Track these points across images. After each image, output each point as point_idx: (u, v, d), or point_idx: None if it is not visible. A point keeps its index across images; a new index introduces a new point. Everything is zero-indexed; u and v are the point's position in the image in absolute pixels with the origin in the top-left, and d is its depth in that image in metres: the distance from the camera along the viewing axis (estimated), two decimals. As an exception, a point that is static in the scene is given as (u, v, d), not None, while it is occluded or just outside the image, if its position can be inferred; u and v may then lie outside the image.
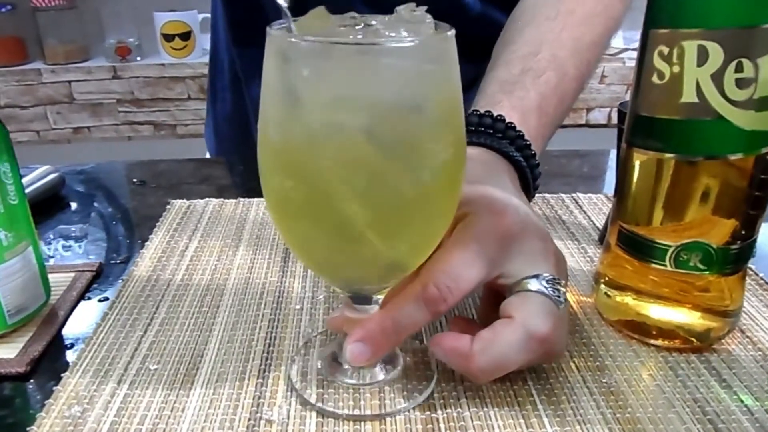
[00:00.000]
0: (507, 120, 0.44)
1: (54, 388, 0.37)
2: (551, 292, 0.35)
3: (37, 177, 0.60)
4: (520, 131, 0.44)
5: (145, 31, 2.02)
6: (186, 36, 2.00)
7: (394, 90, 0.29)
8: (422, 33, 0.30)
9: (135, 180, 0.69)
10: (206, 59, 2.03)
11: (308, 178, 0.30)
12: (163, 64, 1.98)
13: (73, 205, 0.62)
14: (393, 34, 0.29)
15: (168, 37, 1.99)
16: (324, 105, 0.29)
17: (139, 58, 2.03)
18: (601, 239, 0.53)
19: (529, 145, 0.44)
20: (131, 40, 2.02)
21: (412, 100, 0.29)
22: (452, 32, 0.30)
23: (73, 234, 0.56)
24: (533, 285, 0.35)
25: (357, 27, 0.30)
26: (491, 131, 0.44)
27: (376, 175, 0.29)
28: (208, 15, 2.18)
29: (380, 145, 0.29)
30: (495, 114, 0.44)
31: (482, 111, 0.45)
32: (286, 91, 0.30)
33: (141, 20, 2.02)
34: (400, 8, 0.30)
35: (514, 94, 0.47)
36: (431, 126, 0.30)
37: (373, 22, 0.30)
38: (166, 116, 2.01)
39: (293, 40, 0.29)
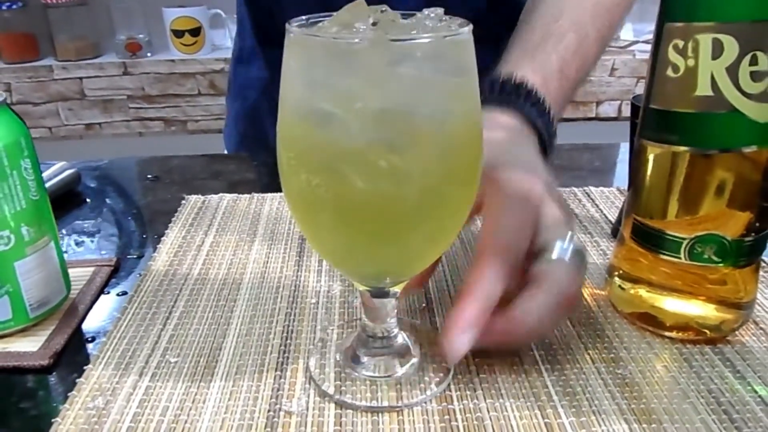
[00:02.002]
0: (529, 84, 0.46)
1: (77, 380, 0.37)
2: (573, 253, 0.37)
3: (54, 173, 0.61)
4: (541, 95, 0.46)
5: (155, 27, 2.03)
6: (196, 32, 2.00)
7: (415, 94, 0.29)
8: (442, 32, 0.30)
9: (149, 176, 0.69)
10: (216, 55, 2.04)
11: (332, 176, 0.30)
12: (173, 60, 1.98)
13: (89, 201, 0.63)
14: (414, 32, 0.30)
15: (178, 33, 1.99)
16: (341, 104, 0.29)
17: (149, 54, 2.03)
18: (614, 232, 0.54)
19: (549, 110, 0.46)
20: (141, 36, 2.02)
21: (434, 106, 0.29)
22: (470, 28, 0.30)
23: (90, 229, 0.57)
24: (559, 251, 0.37)
25: (385, 25, 0.30)
26: (513, 95, 0.45)
27: (398, 174, 0.30)
28: (218, 11, 2.18)
29: (401, 148, 0.29)
30: (517, 77, 0.46)
31: (505, 76, 0.46)
32: (305, 90, 0.30)
33: (150, 16, 2.03)
34: (426, 11, 0.31)
35: (536, 58, 0.49)
36: (452, 130, 0.30)
37: (403, 21, 0.30)
38: (176, 112, 2.01)
39: (312, 37, 0.29)
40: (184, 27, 1.99)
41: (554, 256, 0.37)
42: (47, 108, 1.94)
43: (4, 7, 1.92)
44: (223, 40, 2.10)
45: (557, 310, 0.36)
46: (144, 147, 2.01)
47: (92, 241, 0.55)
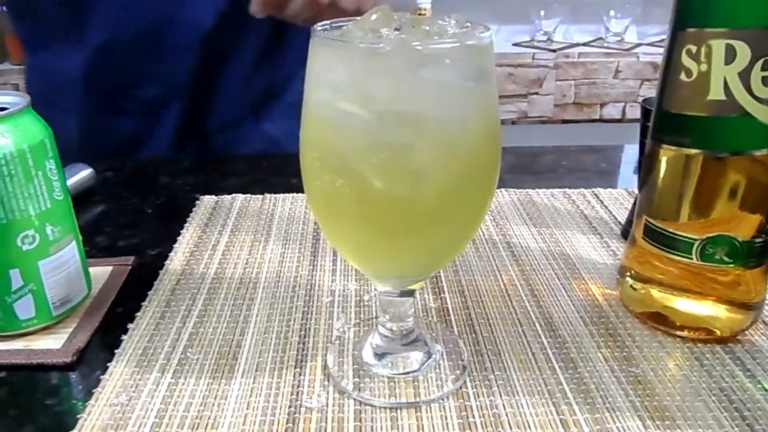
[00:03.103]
0: None
1: (100, 377, 0.38)
2: None
3: (71, 173, 0.62)
4: None
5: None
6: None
7: (435, 97, 0.30)
8: (464, 38, 0.31)
9: (162, 176, 0.70)
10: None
11: (355, 177, 0.31)
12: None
13: (103, 201, 0.64)
14: (436, 38, 0.30)
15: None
16: (364, 106, 0.30)
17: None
18: (624, 233, 0.54)
19: None
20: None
21: (455, 110, 0.30)
22: (491, 33, 0.31)
23: (106, 229, 0.58)
24: None
25: (405, 29, 0.31)
26: None
27: (418, 176, 0.31)
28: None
29: (422, 150, 0.30)
30: None
31: None
32: (329, 92, 0.31)
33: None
34: (447, 17, 0.32)
35: None
36: (471, 133, 0.31)
37: (425, 27, 0.31)
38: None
39: (337, 41, 0.30)
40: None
41: None
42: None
43: (11, 8, 1.93)
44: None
45: None
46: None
47: (109, 241, 0.56)
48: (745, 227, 0.38)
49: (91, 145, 0.80)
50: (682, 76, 0.37)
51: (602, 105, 1.97)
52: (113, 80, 0.79)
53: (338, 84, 0.31)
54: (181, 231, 0.56)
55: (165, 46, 0.76)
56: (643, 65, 1.91)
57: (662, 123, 0.39)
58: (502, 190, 0.64)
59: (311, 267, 0.50)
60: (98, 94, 0.79)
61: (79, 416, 0.35)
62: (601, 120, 1.98)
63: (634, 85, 1.94)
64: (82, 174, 0.63)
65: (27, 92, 0.40)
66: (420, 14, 1.75)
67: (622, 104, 1.97)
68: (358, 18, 0.32)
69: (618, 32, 2.03)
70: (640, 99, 0.48)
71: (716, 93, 0.35)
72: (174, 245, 0.54)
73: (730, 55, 0.35)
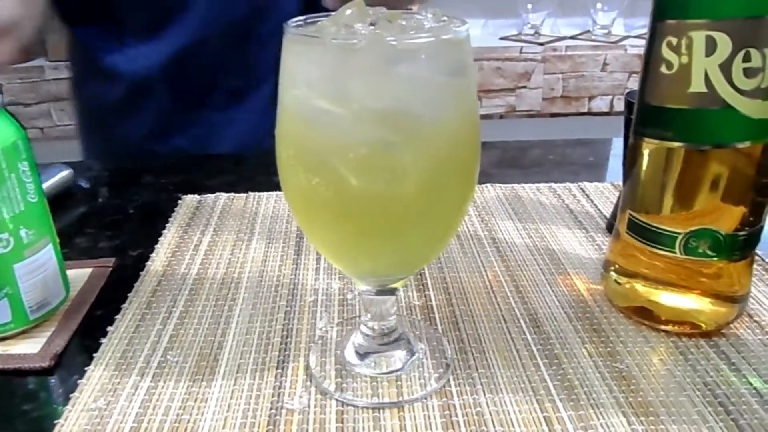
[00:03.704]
0: None
1: (78, 381, 0.38)
2: None
3: (49, 174, 0.61)
4: None
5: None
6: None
7: (411, 93, 0.29)
8: (439, 32, 0.30)
9: (145, 176, 0.69)
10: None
11: (331, 175, 0.30)
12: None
13: (85, 202, 0.63)
14: (412, 32, 0.30)
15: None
16: (339, 103, 0.30)
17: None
18: (609, 227, 0.54)
19: None
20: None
21: (431, 106, 0.30)
22: (467, 27, 0.30)
23: (86, 230, 0.57)
24: None
25: (381, 24, 0.30)
26: None
27: (395, 173, 0.30)
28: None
29: (398, 147, 0.29)
30: None
31: None
32: (303, 89, 0.30)
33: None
34: (424, 11, 0.31)
35: None
36: (449, 129, 0.31)
37: (402, 22, 0.31)
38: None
39: (310, 37, 0.30)
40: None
41: None
42: (39, 108, 1.93)
43: (-7, 7, 1.91)
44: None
45: None
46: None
47: (89, 243, 0.55)
48: (728, 220, 0.38)
49: (164, 144, 0.80)
50: (663, 69, 0.36)
51: (590, 98, 1.97)
52: (198, 75, 0.78)
53: (313, 81, 0.30)
54: (163, 231, 0.55)
55: (253, 36, 0.76)
56: (630, 57, 1.91)
57: (644, 116, 0.39)
58: (488, 185, 0.63)
59: (294, 266, 0.50)
60: (182, 90, 0.79)
61: (56, 422, 0.35)
62: (590, 113, 1.98)
63: (622, 77, 1.94)
64: (61, 175, 0.62)
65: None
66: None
67: (610, 97, 1.96)
68: (333, 13, 0.31)
69: (605, 25, 2.03)
70: (627, 92, 0.48)
71: (697, 85, 0.35)
72: (156, 246, 0.53)
73: (711, 47, 0.34)
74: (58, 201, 0.61)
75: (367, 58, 0.29)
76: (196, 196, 0.62)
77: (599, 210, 0.58)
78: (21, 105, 1.89)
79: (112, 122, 0.82)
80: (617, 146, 0.77)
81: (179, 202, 0.61)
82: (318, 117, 0.30)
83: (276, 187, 0.62)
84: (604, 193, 0.61)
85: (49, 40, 1.90)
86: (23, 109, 1.89)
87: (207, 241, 0.54)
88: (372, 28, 0.30)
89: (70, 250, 0.53)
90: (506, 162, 0.73)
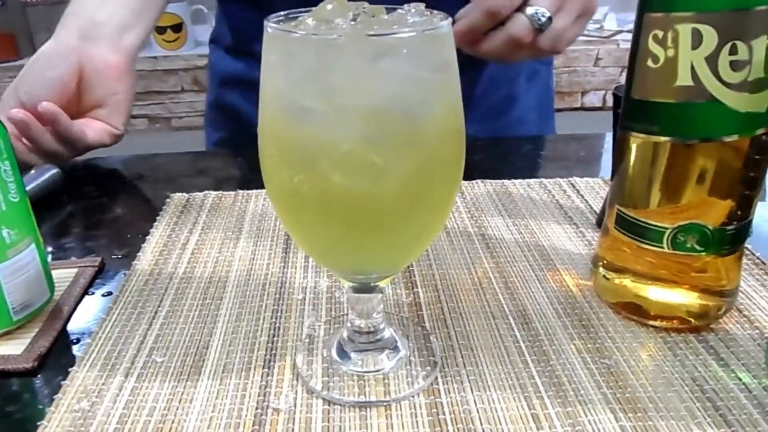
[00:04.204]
0: None
1: (62, 382, 0.37)
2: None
3: (36, 174, 0.61)
4: None
5: (137, 24, 2.01)
6: (178, 28, 1.99)
7: (393, 89, 0.29)
8: (421, 27, 0.30)
9: (133, 174, 0.69)
10: (199, 51, 2.03)
11: (313, 172, 0.30)
12: (155, 57, 1.97)
13: (72, 201, 0.62)
14: (395, 27, 0.29)
15: (159, 30, 1.98)
16: (321, 100, 0.29)
17: (131, 51, 2.01)
18: (599, 223, 0.54)
19: None
20: (123, 33, 2.00)
21: (414, 102, 0.29)
22: (449, 21, 0.30)
23: (73, 230, 0.57)
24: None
25: (363, 19, 0.30)
26: None
27: (378, 170, 0.30)
28: (200, 6, 2.16)
29: (381, 143, 0.29)
30: None
31: None
32: (284, 86, 0.30)
33: (132, 13, 2.00)
34: (407, 5, 0.31)
35: None
36: (432, 125, 0.30)
37: (384, 17, 0.30)
38: (160, 109, 2.00)
39: (290, 33, 0.29)
40: (165, 23, 1.97)
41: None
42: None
43: (-18, 6, 1.90)
44: (205, 36, 2.09)
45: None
46: (128, 145, 1.99)
47: (76, 242, 0.54)
48: (715, 214, 0.38)
49: None
50: (650, 63, 0.36)
51: (583, 93, 1.97)
52: None
53: (294, 77, 0.30)
54: (151, 230, 0.55)
55: None
56: (623, 52, 1.91)
57: (631, 111, 0.39)
58: (478, 181, 0.63)
59: (282, 264, 0.49)
60: None
61: (39, 423, 0.34)
62: (583, 108, 1.98)
63: (615, 72, 1.94)
64: (48, 174, 0.61)
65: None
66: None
67: (603, 92, 1.97)
68: (313, 8, 0.30)
69: (597, 19, 2.02)
70: (615, 86, 0.47)
71: (684, 79, 0.35)
72: (143, 245, 0.52)
73: (697, 40, 0.34)
74: (46, 201, 0.60)
75: (348, 54, 0.28)
76: (184, 194, 0.62)
77: (589, 205, 0.58)
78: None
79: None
80: (609, 141, 0.77)
81: (167, 200, 0.60)
82: (300, 114, 0.30)
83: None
84: (594, 189, 0.61)
85: (38, 39, 1.89)
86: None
87: (195, 239, 0.53)
88: (353, 23, 0.29)
89: (57, 250, 0.53)
90: (498, 158, 0.72)
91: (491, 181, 0.63)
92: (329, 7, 0.30)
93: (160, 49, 2.00)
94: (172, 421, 0.34)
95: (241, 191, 0.62)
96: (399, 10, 0.31)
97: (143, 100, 1.97)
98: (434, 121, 0.31)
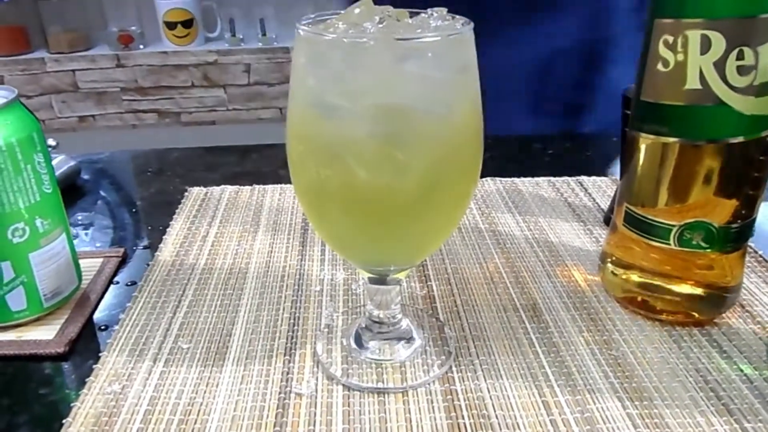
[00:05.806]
0: None
1: (93, 366, 0.39)
2: None
3: (56, 167, 0.62)
4: None
5: (148, 19, 2.03)
6: (188, 23, 2.00)
7: (417, 89, 0.30)
8: (445, 31, 0.32)
9: (149, 168, 0.70)
10: (209, 47, 2.04)
11: (340, 168, 0.32)
12: (165, 52, 1.98)
13: (90, 194, 0.64)
14: (419, 31, 0.31)
15: (170, 25, 1.99)
16: (348, 99, 0.31)
17: (141, 47, 2.03)
18: (606, 220, 0.56)
19: None
20: (133, 28, 2.02)
21: (436, 102, 0.31)
22: (471, 26, 0.31)
23: (94, 222, 0.58)
24: None
25: (388, 22, 0.31)
26: None
27: (401, 167, 0.31)
28: (211, 2, 2.16)
29: (404, 141, 0.31)
30: None
31: None
32: (314, 85, 0.31)
33: (143, 8, 2.02)
34: (430, 10, 0.32)
35: None
36: (453, 124, 0.32)
37: (408, 20, 0.32)
38: (170, 104, 2.02)
39: (320, 36, 0.31)
40: (176, 19, 1.98)
41: None
42: (40, 101, 1.94)
43: (-6, 0, 1.92)
44: (215, 32, 2.10)
45: None
46: (138, 139, 2.01)
47: (98, 233, 0.56)
48: (720, 213, 0.39)
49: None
50: (660, 66, 0.37)
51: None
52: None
53: (323, 78, 0.31)
54: (170, 223, 0.57)
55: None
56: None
57: (641, 112, 0.40)
58: (488, 179, 0.64)
59: (300, 257, 0.51)
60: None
61: (72, 405, 0.36)
62: (589, 108, 1.99)
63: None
64: (67, 167, 0.63)
65: None
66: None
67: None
68: (342, 12, 0.32)
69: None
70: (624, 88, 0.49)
71: (692, 83, 0.36)
72: (163, 237, 0.54)
73: (706, 45, 0.35)
74: (67, 193, 0.62)
75: (375, 56, 0.30)
76: (202, 188, 0.63)
77: (597, 203, 0.59)
78: (23, 97, 1.90)
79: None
80: (615, 141, 0.78)
81: (185, 194, 0.62)
82: (328, 112, 0.31)
83: (280, 179, 0.64)
84: (601, 187, 0.63)
85: (50, 32, 1.91)
86: (25, 101, 1.90)
87: (214, 232, 0.55)
88: (380, 26, 0.31)
89: (81, 241, 0.55)
90: (506, 156, 0.74)
91: (501, 179, 0.65)
92: (357, 11, 0.31)
93: (171, 44, 2.02)
94: (201, 404, 0.36)
95: (257, 186, 0.64)
96: (422, 14, 0.33)
97: (153, 94, 1.99)
98: (454, 119, 0.32)
